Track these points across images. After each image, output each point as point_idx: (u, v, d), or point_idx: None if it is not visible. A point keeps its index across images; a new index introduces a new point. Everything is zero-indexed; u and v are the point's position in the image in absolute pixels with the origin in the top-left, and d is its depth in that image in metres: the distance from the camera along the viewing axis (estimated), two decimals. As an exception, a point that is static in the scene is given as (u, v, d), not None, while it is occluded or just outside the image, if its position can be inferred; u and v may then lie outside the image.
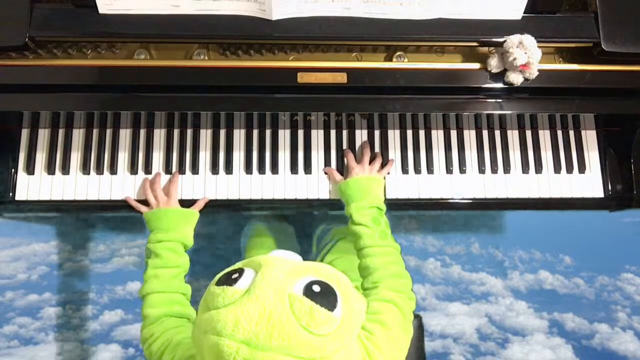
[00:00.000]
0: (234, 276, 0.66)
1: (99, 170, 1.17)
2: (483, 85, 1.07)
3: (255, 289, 0.63)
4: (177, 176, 1.16)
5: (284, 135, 1.21)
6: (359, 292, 0.80)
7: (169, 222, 1.06)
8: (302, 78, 1.04)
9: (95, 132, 1.19)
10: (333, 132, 1.21)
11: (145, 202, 1.13)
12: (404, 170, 1.21)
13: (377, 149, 1.21)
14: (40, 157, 1.17)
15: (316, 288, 0.64)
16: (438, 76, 1.07)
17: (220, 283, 0.66)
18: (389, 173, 1.19)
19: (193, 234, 1.08)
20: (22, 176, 1.16)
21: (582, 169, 1.24)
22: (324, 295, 0.64)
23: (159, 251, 1.01)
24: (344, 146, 1.21)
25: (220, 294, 0.64)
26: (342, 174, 1.18)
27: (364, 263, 0.97)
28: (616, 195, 1.23)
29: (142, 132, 1.19)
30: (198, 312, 0.68)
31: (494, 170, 1.22)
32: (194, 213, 1.10)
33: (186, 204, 1.13)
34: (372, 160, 1.17)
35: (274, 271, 0.65)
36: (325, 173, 1.19)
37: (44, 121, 1.18)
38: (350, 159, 1.16)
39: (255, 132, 1.21)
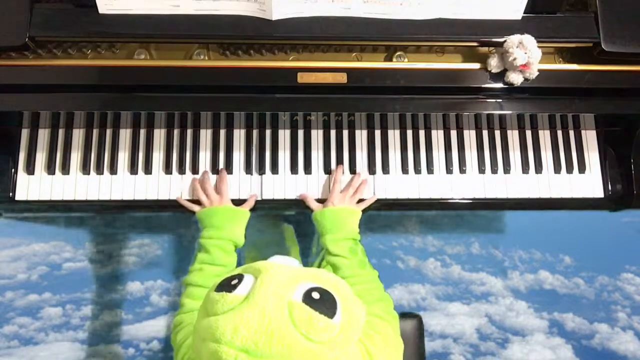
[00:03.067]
0: (233, 282, 0.65)
1: (99, 170, 1.17)
2: (483, 85, 1.07)
3: (254, 295, 0.62)
4: (225, 174, 1.16)
5: (284, 135, 1.21)
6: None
7: (221, 220, 1.07)
8: (302, 78, 1.04)
9: (95, 132, 1.19)
10: (333, 132, 1.21)
11: (197, 202, 1.14)
12: (404, 170, 1.21)
13: (377, 149, 1.21)
14: (40, 157, 1.17)
15: (315, 295, 0.63)
16: (438, 76, 1.07)
17: (219, 289, 0.65)
18: (386, 173, 1.19)
19: (244, 233, 1.09)
20: (22, 176, 1.16)
21: (582, 169, 1.24)
22: (323, 303, 0.63)
23: (209, 247, 1.03)
24: (344, 146, 1.21)
25: (220, 300, 0.63)
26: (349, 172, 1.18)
27: None
28: (616, 195, 1.23)
29: (142, 132, 1.19)
30: (197, 318, 0.68)
31: (494, 170, 1.22)
32: (244, 212, 1.11)
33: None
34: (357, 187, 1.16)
35: (273, 278, 0.64)
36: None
37: (44, 121, 1.18)
38: (335, 184, 1.14)
39: (255, 132, 1.21)
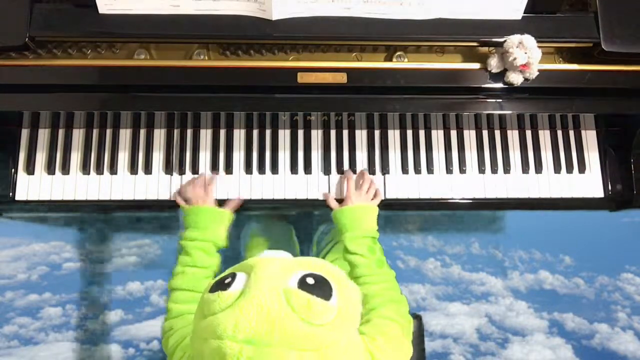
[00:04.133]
0: (227, 281, 0.66)
1: (99, 170, 1.17)
2: (483, 85, 1.07)
3: (250, 289, 0.63)
4: (216, 176, 1.16)
5: (284, 135, 1.21)
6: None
7: (203, 220, 1.06)
8: (302, 78, 1.04)
9: (95, 132, 1.19)
10: (333, 132, 1.21)
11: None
12: (404, 170, 1.21)
13: (377, 149, 1.21)
14: (40, 157, 1.17)
15: (310, 280, 0.65)
16: (438, 76, 1.07)
17: (213, 289, 0.66)
18: (386, 173, 1.20)
19: (227, 235, 1.09)
20: (22, 176, 1.16)
21: (582, 169, 1.24)
22: (319, 287, 0.65)
23: (190, 250, 1.02)
24: (344, 146, 1.21)
25: (216, 299, 0.64)
26: (340, 172, 1.19)
27: (361, 290, 0.97)
28: (616, 195, 1.23)
29: (142, 132, 1.19)
30: (193, 322, 0.68)
31: (494, 170, 1.22)
32: (227, 213, 1.10)
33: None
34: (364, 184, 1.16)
35: (266, 270, 0.66)
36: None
37: (44, 121, 1.18)
38: (349, 183, 1.15)
39: (255, 132, 1.21)
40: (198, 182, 1.14)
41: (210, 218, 1.07)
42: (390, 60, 1.10)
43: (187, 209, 1.09)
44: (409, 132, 1.23)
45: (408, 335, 0.88)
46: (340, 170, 1.19)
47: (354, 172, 1.20)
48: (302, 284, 0.64)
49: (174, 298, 0.98)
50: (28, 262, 1.89)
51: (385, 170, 1.20)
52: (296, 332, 0.60)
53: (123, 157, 1.18)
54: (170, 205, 1.17)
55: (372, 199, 1.14)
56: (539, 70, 1.03)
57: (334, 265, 0.72)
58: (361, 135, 1.22)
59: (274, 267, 0.66)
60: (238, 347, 0.59)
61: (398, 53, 1.10)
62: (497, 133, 1.24)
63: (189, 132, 1.20)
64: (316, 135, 1.21)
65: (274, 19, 0.99)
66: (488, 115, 1.23)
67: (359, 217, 1.07)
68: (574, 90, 1.09)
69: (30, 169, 1.16)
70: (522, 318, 1.97)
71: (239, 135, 1.20)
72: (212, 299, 0.64)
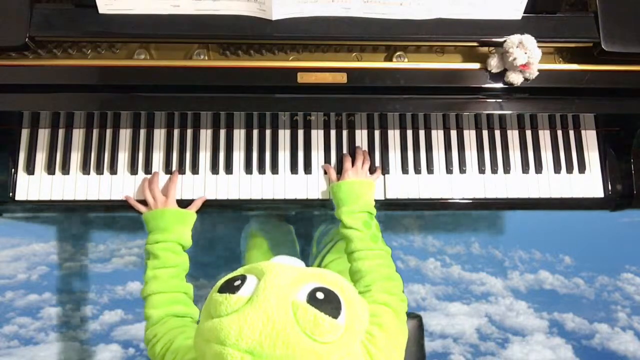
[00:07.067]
0: (236, 283, 0.65)
1: (99, 170, 1.17)
2: (483, 85, 1.07)
3: (258, 296, 0.62)
4: (177, 176, 1.16)
5: (284, 135, 1.21)
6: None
7: (166, 222, 1.06)
8: (302, 78, 1.04)
9: (95, 132, 1.19)
10: (333, 132, 1.22)
11: (145, 202, 1.13)
12: (404, 170, 1.21)
13: (377, 149, 1.21)
14: (40, 157, 1.17)
15: (320, 295, 0.63)
16: (438, 76, 1.07)
17: (222, 290, 0.65)
18: (386, 173, 1.20)
19: (191, 234, 1.08)
20: (22, 176, 1.16)
21: (582, 169, 1.24)
22: (327, 303, 0.63)
23: (157, 252, 1.01)
24: (344, 146, 1.21)
25: (223, 302, 0.63)
26: (340, 172, 1.18)
27: (355, 267, 0.97)
28: (616, 195, 1.23)
29: (142, 132, 1.19)
30: (200, 319, 0.68)
31: (494, 170, 1.22)
32: (190, 213, 1.10)
33: (186, 204, 1.13)
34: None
35: (277, 278, 0.64)
36: (325, 172, 1.19)
37: (44, 121, 1.18)
38: (346, 160, 1.16)
39: (255, 132, 1.21)
40: (153, 185, 1.13)
41: (174, 219, 1.06)
42: (390, 60, 1.10)
43: (148, 214, 1.08)
44: (409, 132, 1.23)
45: (402, 316, 0.87)
46: (340, 171, 1.19)
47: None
48: (311, 298, 0.62)
49: (151, 304, 0.97)
50: (28, 262, 1.89)
51: (385, 170, 1.20)
52: (299, 347, 0.59)
53: (123, 157, 1.18)
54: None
55: (371, 175, 1.15)
56: (539, 70, 1.03)
57: (346, 281, 0.70)
58: (361, 135, 1.22)
59: (285, 276, 0.65)
60: (239, 356, 0.59)
61: (398, 53, 1.10)
62: (497, 133, 1.24)
63: (189, 132, 1.20)
64: (316, 135, 1.21)
65: (274, 19, 0.99)
66: (488, 115, 1.23)
67: (356, 192, 1.07)
68: (574, 90, 1.09)
69: (30, 169, 1.16)
70: (522, 318, 1.97)
71: (239, 135, 1.20)
72: (220, 300, 0.63)
